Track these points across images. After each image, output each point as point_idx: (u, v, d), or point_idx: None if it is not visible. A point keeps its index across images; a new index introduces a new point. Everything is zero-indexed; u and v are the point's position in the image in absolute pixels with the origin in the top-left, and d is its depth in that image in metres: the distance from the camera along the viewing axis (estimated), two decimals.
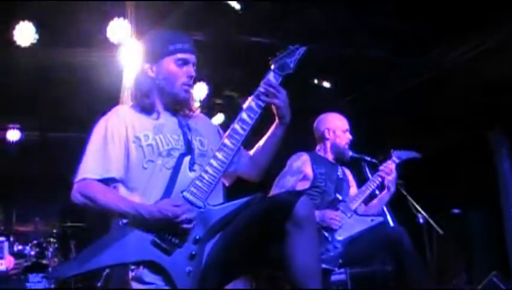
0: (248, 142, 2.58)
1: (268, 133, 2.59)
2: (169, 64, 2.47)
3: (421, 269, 3.53)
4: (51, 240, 5.91)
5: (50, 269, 5.76)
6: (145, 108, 2.49)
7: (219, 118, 6.03)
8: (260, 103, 2.43)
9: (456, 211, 5.72)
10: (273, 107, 2.48)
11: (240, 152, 2.52)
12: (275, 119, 2.56)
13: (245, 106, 2.45)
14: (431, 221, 4.17)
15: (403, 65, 5.89)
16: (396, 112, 6.09)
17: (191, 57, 2.50)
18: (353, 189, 4.00)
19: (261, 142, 2.62)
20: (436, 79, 5.89)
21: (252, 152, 2.65)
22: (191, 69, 2.50)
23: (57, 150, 6.91)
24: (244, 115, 2.42)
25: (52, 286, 5.54)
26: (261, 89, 2.44)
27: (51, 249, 5.82)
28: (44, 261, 5.76)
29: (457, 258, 5.26)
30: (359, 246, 3.64)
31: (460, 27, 5.05)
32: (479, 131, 6.02)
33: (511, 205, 6.00)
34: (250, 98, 2.47)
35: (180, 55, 2.47)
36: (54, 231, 6.04)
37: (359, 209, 3.80)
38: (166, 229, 2.21)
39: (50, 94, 5.92)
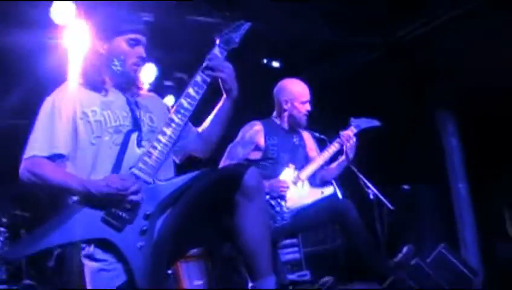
0: (196, 119, 2.58)
1: (216, 108, 2.60)
2: (121, 43, 2.48)
3: (368, 241, 3.61)
4: (1, 229, 5.78)
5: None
6: (93, 85, 2.49)
7: (169, 100, 5.97)
8: (205, 77, 2.44)
9: (405, 187, 5.85)
10: (220, 81, 2.49)
11: (187, 128, 2.53)
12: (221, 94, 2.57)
13: (191, 81, 2.46)
14: (381, 197, 4.24)
15: (351, 44, 5.97)
16: (346, 91, 6.16)
17: (142, 38, 2.51)
18: (313, 152, 4.00)
19: (209, 118, 2.63)
20: (383, 58, 5.99)
21: (200, 129, 2.66)
22: (141, 50, 2.51)
23: (5, 138, 6.75)
24: (190, 90, 2.43)
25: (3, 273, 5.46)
26: (206, 63, 2.44)
27: (1, 239, 5.70)
28: None
29: (407, 233, 5.38)
30: (307, 217, 3.68)
31: (407, 5, 5.14)
32: (426, 108, 6.14)
33: (458, 180, 6.16)
34: (196, 74, 2.47)
35: (131, 36, 2.48)
36: (4, 219, 5.91)
37: (318, 175, 3.83)
38: (115, 204, 2.20)
39: None
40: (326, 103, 6.02)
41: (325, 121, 4.35)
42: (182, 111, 2.39)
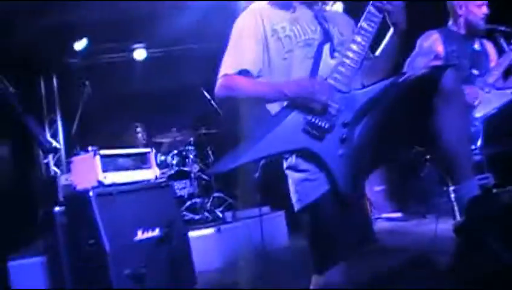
0: None
1: (384, 42, 2.51)
2: None
3: None
4: (189, 148, 6.24)
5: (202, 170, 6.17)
6: (281, 3, 2.53)
7: (338, 6, 5.87)
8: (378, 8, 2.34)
9: None
10: (386, 14, 2.37)
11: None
12: None
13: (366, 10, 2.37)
14: None
15: None
16: None
17: None
18: (493, 62, 3.81)
19: (379, 52, 2.55)
20: None
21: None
22: None
23: (183, 63, 7.16)
24: (371, 8, 2.35)
25: (196, 188, 5.96)
26: None
27: (190, 157, 6.16)
28: (186, 169, 6.14)
29: None
30: (499, 121, 3.51)
31: None
32: None
33: None
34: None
35: None
36: (191, 139, 6.35)
37: (498, 83, 3.64)
38: (308, 104, 2.24)
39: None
40: None
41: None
42: (372, 20, 2.34)
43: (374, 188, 5.47)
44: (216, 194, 6.05)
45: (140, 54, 7.77)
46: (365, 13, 2.35)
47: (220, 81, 2.45)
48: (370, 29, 2.32)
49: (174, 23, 6.37)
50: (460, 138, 2.16)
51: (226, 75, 2.43)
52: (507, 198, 3.11)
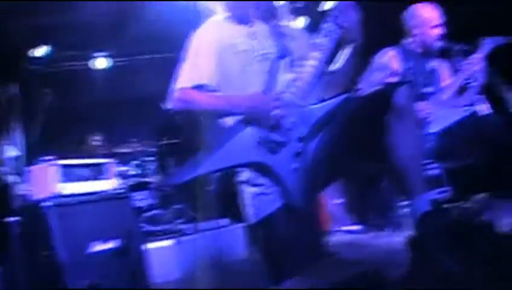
0: None
1: (341, 54, 2.56)
2: None
3: None
4: (150, 158, 6.19)
5: (157, 182, 6.11)
6: (240, 18, 2.57)
7: (300, 22, 5.95)
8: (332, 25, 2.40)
9: None
10: (343, 31, 2.43)
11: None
12: None
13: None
14: None
15: None
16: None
17: None
18: (445, 80, 3.91)
19: (336, 63, 2.60)
20: None
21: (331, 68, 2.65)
22: None
23: (146, 72, 7.13)
24: (326, 25, 2.40)
25: (156, 199, 5.91)
26: (333, 10, 2.40)
27: (151, 167, 6.12)
28: (146, 180, 6.08)
29: None
30: (452, 137, 3.61)
31: None
32: None
33: None
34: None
35: None
36: (152, 149, 6.31)
37: (451, 100, 3.74)
38: (261, 119, 2.27)
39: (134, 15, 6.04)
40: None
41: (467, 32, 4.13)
42: (329, 35, 2.38)
43: (333, 201, 5.51)
44: (176, 206, 6.01)
45: (102, 62, 7.71)
46: (323, 29, 2.39)
47: (176, 94, 2.47)
48: (327, 44, 2.37)
49: (137, 33, 6.34)
50: (412, 154, 2.22)
51: (182, 88, 2.45)
52: (457, 213, 3.19)
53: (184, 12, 4.94)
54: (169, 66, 2.60)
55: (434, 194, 5.33)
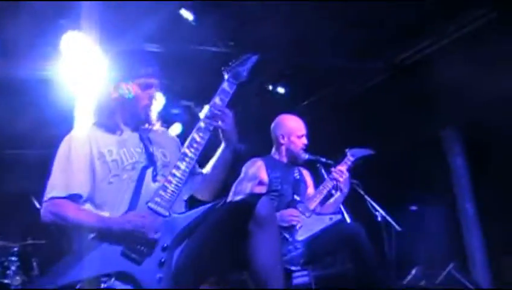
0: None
1: (217, 155, 2.66)
2: (133, 87, 2.53)
3: (378, 264, 3.64)
4: (12, 258, 5.80)
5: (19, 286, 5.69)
6: (107, 126, 2.56)
7: (177, 128, 6.05)
8: (208, 125, 2.50)
9: (413, 207, 5.89)
10: (219, 131, 2.56)
11: (194, 168, 2.59)
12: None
13: (196, 126, 2.51)
14: (388, 218, 4.28)
15: (356, 69, 6.04)
16: (351, 115, 6.23)
17: (155, 82, 2.57)
18: (310, 189, 4.09)
19: (212, 162, 2.69)
20: (388, 81, 6.06)
21: (204, 171, 2.72)
22: (153, 92, 2.57)
23: (14, 168, 6.82)
24: (195, 135, 2.48)
25: None
26: (208, 113, 2.50)
27: (12, 268, 5.71)
28: (6, 281, 5.66)
29: (415, 254, 5.40)
30: (319, 244, 3.73)
31: (411, 29, 5.22)
32: (432, 129, 6.19)
33: (465, 200, 6.19)
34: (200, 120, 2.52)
35: (144, 80, 2.54)
36: (15, 249, 5.92)
37: (317, 209, 3.90)
38: (135, 240, 2.25)
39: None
40: (332, 126, 6.10)
41: (331, 145, 4.41)
42: (195, 145, 2.45)
43: None
44: None
45: None
46: (189, 139, 2.47)
47: (46, 205, 2.38)
48: (192, 155, 2.43)
49: (7, 127, 6.13)
50: (272, 263, 2.27)
51: (53, 198, 2.38)
52: None
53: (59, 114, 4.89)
54: (40, 163, 2.53)
55: None
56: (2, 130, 6.16)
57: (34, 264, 6.00)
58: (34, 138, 6.54)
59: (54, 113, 5.39)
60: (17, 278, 5.68)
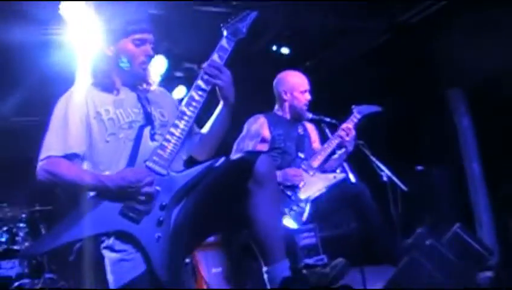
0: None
1: (215, 114, 2.63)
2: (127, 44, 2.52)
3: (383, 224, 3.64)
4: (20, 225, 5.87)
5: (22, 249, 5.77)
6: (104, 86, 2.54)
7: (180, 91, 6.01)
8: (205, 82, 2.47)
9: (419, 167, 5.86)
10: (217, 88, 2.52)
11: (192, 128, 2.57)
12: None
13: (194, 84, 2.48)
14: (394, 179, 4.26)
15: (359, 29, 5.96)
16: (356, 75, 6.16)
17: (149, 36, 2.55)
18: (316, 144, 4.04)
19: (209, 123, 2.66)
20: (391, 40, 5.98)
21: (203, 130, 2.69)
22: (148, 48, 2.55)
23: (20, 135, 6.83)
24: (193, 93, 2.46)
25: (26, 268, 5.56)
26: (205, 69, 2.47)
27: (21, 234, 5.79)
28: (15, 247, 5.74)
29: (421, 214, 5.39)
30: (323, 203, 3.71)
31: None
32: (438, 89, 6.13)
33: (471, 160, 6.15)
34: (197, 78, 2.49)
35: (137, 36, 2.52)
36: (23, 215, 5.99)
37: (322, 166, 3.87)
38: (130, 196, 2.25)
39: (5, 77, 5.83)
40: (336, 87, 6.05)
41: (335, 106, 4.37)
42: (194, 104, 2.44)
43: (212, 270, 5.46)
44: (48, 275, 5.69)
45: None
46: (187, 98, 2.44)
47: (43, 163, 2.37)
48: (190, 114, 2.41)
49: (12, 95, 6.13)
50: (272, 221, 2.26)
51: (50, 157, 2.37)
52: (316, 279, 3.25)
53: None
54: (42, 130, 2.52)
55: (311, 261, 5.46)
56: (6, 97, 6.17)
57: (42, 229, 6.06)
58: (37, 105, 6.52)
59: (57, 79, 5.37)
60: (26, 244, 5.76)
